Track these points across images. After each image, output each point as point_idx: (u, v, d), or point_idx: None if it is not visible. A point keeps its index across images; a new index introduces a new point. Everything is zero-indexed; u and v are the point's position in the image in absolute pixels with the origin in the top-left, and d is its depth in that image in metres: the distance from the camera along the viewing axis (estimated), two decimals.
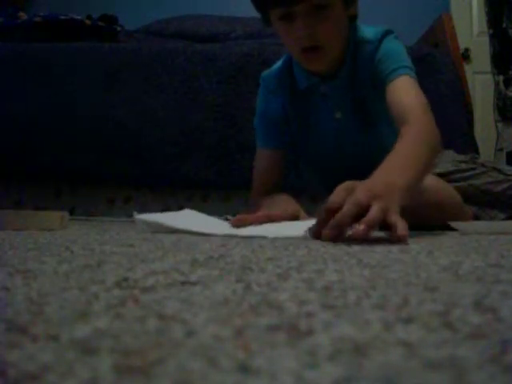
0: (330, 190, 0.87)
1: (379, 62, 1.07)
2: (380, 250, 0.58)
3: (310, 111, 1.18)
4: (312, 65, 1.08)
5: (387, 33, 1.09)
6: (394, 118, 0.99)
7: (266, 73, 1.24)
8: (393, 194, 0.73)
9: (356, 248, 0.60)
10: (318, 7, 0.98)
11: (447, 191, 1.11)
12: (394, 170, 0.79)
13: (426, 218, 1.06)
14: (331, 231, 0.69)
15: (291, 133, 1.21)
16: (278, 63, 1.22)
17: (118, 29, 2.23)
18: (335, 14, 1.01)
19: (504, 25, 2.04)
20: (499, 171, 1.22)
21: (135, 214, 0.95)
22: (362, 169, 1.02)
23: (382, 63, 1.06)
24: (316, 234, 0.73)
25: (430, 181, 1.10)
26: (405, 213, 1.04)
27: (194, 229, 0.87)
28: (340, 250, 0.57)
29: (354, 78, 1.12)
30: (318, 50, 1.03)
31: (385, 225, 0.70)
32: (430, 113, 0.96)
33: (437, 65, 1.80)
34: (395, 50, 1.08)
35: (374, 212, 0.67)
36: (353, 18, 1.08)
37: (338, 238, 0.69)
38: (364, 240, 0.66)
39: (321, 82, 1.13)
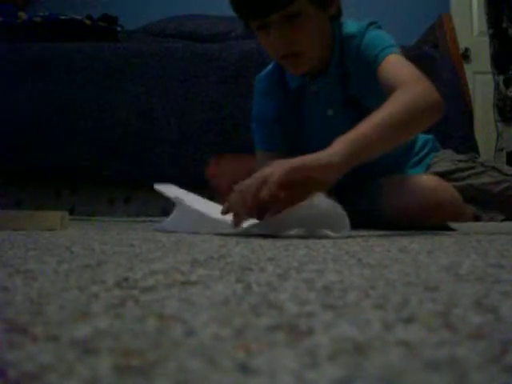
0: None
1: (364, 52, 1.08)
2: (380, 249, 0.58)
3: (303, 110, 1.20)
4: (293, 70, 1.10)
5: (370, 24, 1.10)
6: (386, 92, 0.98)
7: (258, 76, 1.27)
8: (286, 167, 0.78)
9: (356, 248, 0.60)
10: (291, 16, 0.99)
11: (447, 191, 1.11)
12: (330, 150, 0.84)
13: (426, 218, 1.06)
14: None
15: (286, 132, 1.22)
16: (270, 66, 1.24)
17: (118, 29, 2.23)
18: (310, 20, 1.01)
19: (504, 25, 2.04)
20: (499, 171, 1.22)
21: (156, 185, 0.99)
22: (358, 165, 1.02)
23: (367, 51, 1.07)
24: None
25: (431, 181, 1.10)
26: (404, 213, 1.04)
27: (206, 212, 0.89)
28: (340, 250, 0.57)
29: (343, 74, 1.13)
30: (297, 55, 1.04)
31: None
32: (421, 77, 0.97)
33: (437, 65, 1.80)
34: (377, 35, 1.09)
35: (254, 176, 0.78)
36: (336, 17, 1.09)
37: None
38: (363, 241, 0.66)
39: (311, 81, 1.15)
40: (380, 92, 1.06)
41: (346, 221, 0.77)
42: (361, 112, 1.15)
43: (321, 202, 0.75)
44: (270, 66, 1.25)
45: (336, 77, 1.13)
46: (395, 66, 1.02)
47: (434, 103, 0.94)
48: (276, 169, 0.77)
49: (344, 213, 0.77)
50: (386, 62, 1.03)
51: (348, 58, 1.12)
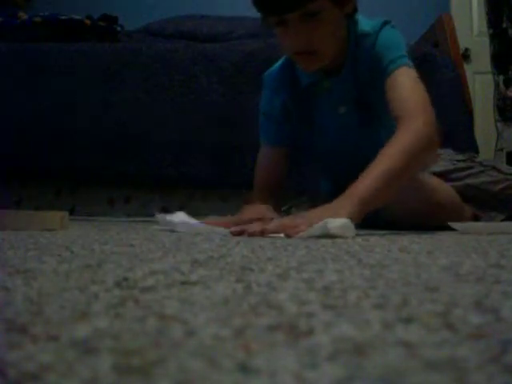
0: (335, 186, 0.89)
1: (377, 54, 1.08)
2: (380, 249, 0.58)
3: (313, 107, 1.19)
4: (307, 67, 1.09)
5: (384, 23, 1.10)
6: (391, 113, 1.00)
7: (267, 72, 1.26)
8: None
9: (356, 248, 0.60)
10: (310, 14, 0.99)
11: (446, 191, 1.11)
12: (341, 202, 0.87)
13: (426, 219, 1.06)
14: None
15: (294, 130, 1.22)
16: (279, 62, 1.23)
17: (118, 29, 2.23)
18: (328, 18, 1.01)
19: (504, 25, 2.04)
20: (498, 170, 1.22)
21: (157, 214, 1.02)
22: (366, 163, 1.03)
23: (380, 55, 1.07)
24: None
25: (430, 181, 1.10)
26: (404, 213, 1.04)
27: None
28: (340, 250, 0.57)
29: (356, 72, 1.13)
30: (313, 53, 1.04)
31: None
32: (427, 109, 0.99)
33: (437, 65, 1.80)
34: (392, 39, 1.09)
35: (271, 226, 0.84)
36: (351, 14, 1.09)
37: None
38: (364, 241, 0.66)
39: (324, 78, 1.14)
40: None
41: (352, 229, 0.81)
42: (371, 110, 1.15)
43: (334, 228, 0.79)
44: (279, 62, 1.23)
45: (350, 75, 1.13)
46: (403, 85, 1.02)
47: (430, 144, 0.96)
48: (305, 222, 0.83)
49: (352, 226, 0.81)
50: (394, 77, 1.03)
51: (362, 55, 1.11)
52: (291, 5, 0.98)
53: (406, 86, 1.02)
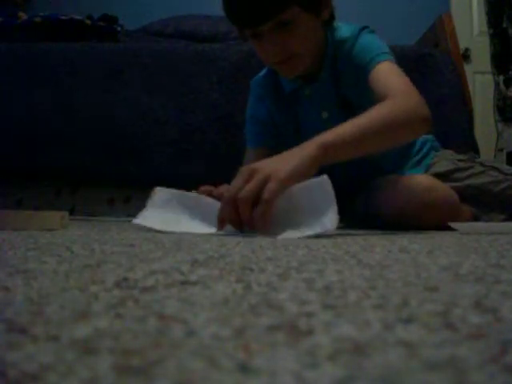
0: None
1: (357, 56, 1.09)
2: (380, 249, 0.58)
3: (298, 114, 1.20)
4: (287, 74, 1.11)
5: (362, 28, 1.11)
6: (376, 103, 0.99)
7: (254, 79, 1.28)
8: (280, 166, 0.80)
9: (356, 248, 0.60)
10: (284, 23, 1.00)
11: (442, 190, 1.10)
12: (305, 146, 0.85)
13: (421, 218, 1.06)
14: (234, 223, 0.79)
15: (280, 137, 1.23)
16: (265, 69, 1.25)
17: (118, 29, 2.23)
18: (302, 26, 1.02)
19: (504, 25, 2.04)
20: (498, 170, 1.22)
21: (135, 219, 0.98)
22: (354, 166, 1.03)
23: (360, 56, 1.08)
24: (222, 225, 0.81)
25: (425, 180, 1.09)
26: (397, 214, 1.04)
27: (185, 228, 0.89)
28: (340, 249, 0.57)
29: (336, 77, 1.14)
30: (290, 60, 1.05)
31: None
32: (412, 89, 0.98)
33: (437, 65, 1.80)
34: (371, 41, 1.10)
35: (248, 187, 0.76)
36: (329, 20, 1.10)
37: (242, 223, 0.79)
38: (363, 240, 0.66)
39: (305, 85, 1.15)
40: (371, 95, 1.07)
41: (334, 204, 0.77)
42: (355, 113, 1.16)
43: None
44: (264, 70, 1.26)
45: (329, 80, 1.14)
46: (386, 75, 1.03)
47: (420, 118, 0.95)
48: (273, 174, 0.78)
49: (330, 190, 0.78)
50: (377, 70, 1.04)
51: (341, 60, 1.12)
52: (263, 16, 0.98)
53: (388, 75, 1.03)
